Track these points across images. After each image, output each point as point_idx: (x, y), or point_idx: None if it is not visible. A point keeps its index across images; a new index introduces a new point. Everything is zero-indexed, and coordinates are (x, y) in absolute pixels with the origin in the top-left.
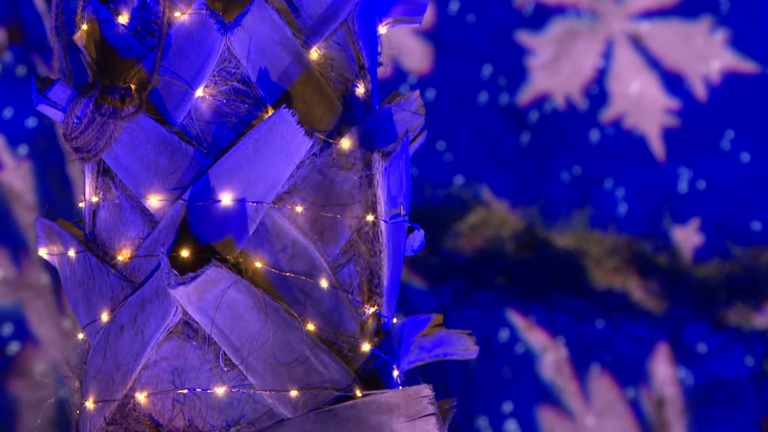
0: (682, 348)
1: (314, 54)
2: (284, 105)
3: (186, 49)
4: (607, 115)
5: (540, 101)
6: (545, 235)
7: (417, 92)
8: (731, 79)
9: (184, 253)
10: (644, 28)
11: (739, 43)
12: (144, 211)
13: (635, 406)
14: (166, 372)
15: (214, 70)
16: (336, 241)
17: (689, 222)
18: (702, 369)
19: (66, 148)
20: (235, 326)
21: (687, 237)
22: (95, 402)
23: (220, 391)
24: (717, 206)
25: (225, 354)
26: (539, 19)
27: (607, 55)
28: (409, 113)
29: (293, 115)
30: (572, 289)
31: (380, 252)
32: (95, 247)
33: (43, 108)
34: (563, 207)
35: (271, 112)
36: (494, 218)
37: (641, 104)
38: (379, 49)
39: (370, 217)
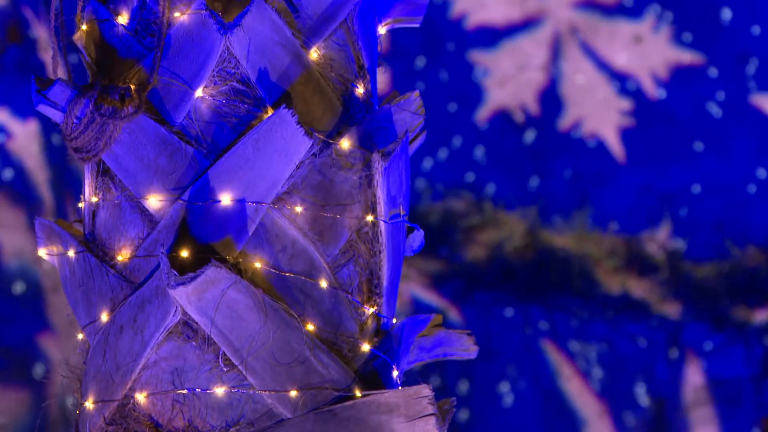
0: (682, 348)
1: (314, 54)
2: (284, 105)
3: (186, 49)
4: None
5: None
6: (545, 235)
7: (417, 92)
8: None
9: (184, 253)
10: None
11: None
12: (144, 212)
13: (635, 406)
14: (165, 372)
15: (213, 70)
16: (336, 241)
17: (688, 222)
18: (702, 369)
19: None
20: (235, 326)
21: (686, 237)
22: (95, 402)
23: (219, 391)
24: (717, 206)
25: (224, 354)
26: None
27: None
28: (409, 113)
29: (293, 116)
30: (572, 289)
31: (380, 252)
32: (95, 247)
33: (43, 108)
34: (563, 207)
35: (270, 112)
36: (494, 219)
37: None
38: (378, 49)
39: (369, 218)
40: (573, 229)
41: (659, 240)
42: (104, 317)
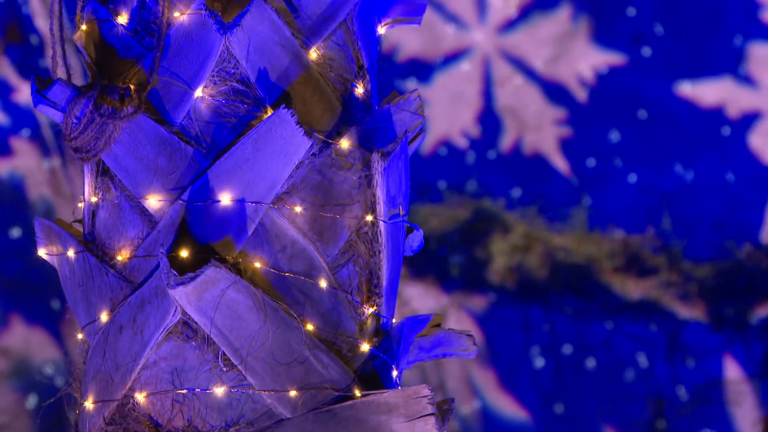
0: (682, 348)
1: (313, 54)
2: (283, 105)
3: (185, 49)
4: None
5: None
6: (544, 235)
7: (416, 92)
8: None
9: (184, 253)
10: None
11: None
12: (143, 212)
13: (635, 406)
14: (165, 372)
15: (213, 71)
16: (335, 241)
17: (688, 222)
18: (701, 369)
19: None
20: (235, 326)
21: (686, 237)
22: (94, 402)
23: (219, 391)
24: (717, 206)
25: (224, 354)
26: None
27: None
28: (408, 113)
29: (292, 116)
30: (571, 289)
31: (379, 252)
32: (94, 247)
33: (43, 108)
34: (563, 207)
35: (270, 112)
36: (493, 218)
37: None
38: (378, 49)
39: (369, 218)
40: (572, 229)
41: (658, 240)
42: (104, 317)
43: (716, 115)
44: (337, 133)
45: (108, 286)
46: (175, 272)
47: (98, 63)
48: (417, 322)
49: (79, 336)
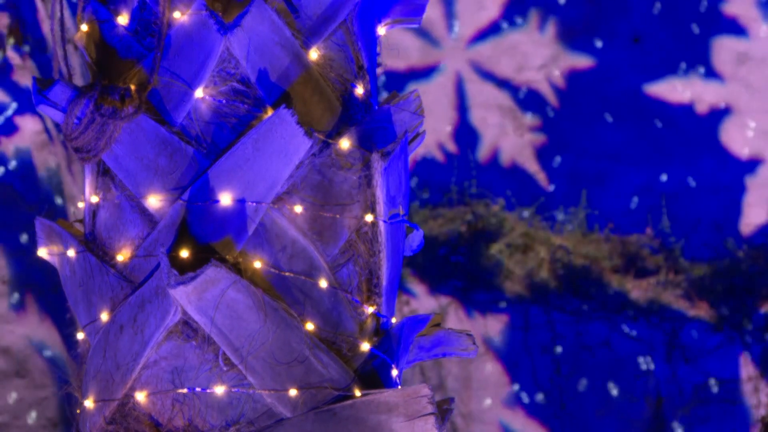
0: (681, 348)
1: (313, 54)
2: (283, 105)
3: (185, 49)
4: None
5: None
6: (544, 235)
7: (416, 92)
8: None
9: (184, 253)
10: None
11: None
12: (144, 211)
13: (634, 406)
14: (165, 372)
15: (213, 71)
16: (335, 241)
17: (687, 222)
18: (700, 369)
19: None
20: (235, 326)
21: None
22: (95, 401)
23: (219, 390)
24: (716, 206)
25: (224, 354)
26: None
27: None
28: (408, 113)
29: (292, 116)
30: (571, 289)
31: (379, 252)
32: (95, 247)
33: (43, 108)
34: (562, 207)
35: (270, 112)
36: (493, 218)
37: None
38: (378, 49)
39: (369, 217)
40: (571, 229)
41: (657, 240)
42: (104, 317)
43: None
44: (337, 133)
45: (108, 286)
46: (175, 272)
47: (99, 63)
48: (417, 321)
49: (80, 335)
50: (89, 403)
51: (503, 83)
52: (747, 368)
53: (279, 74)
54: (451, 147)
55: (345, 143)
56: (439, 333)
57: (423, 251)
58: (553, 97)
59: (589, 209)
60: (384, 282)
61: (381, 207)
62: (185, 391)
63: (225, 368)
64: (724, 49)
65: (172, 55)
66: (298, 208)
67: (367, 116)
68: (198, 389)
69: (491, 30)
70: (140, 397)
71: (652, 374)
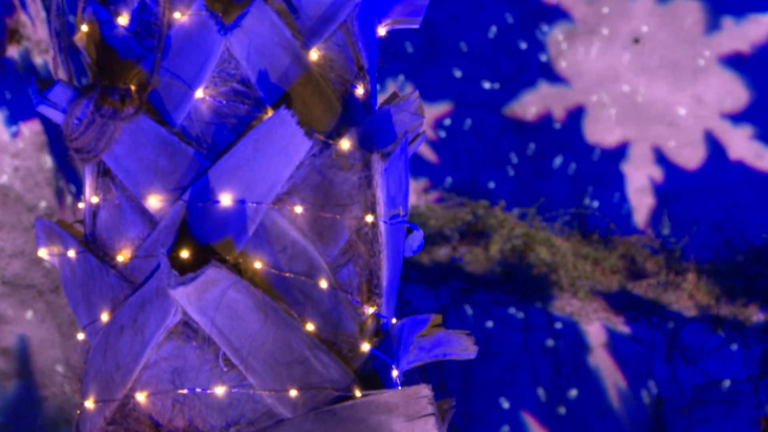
0: (682, 348)
1: (313, 55)
2: (284, 106)
3: (186, 50)
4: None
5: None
6: (544, 235)
7: (416, 93)
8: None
9: (184, 253)
10: None
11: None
12: (144, 212)
13: (634, 406)
14: (165, 372)
15: (213, 71)
16: (335, 241)
17: (687, 222)
18: (700, 369)
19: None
20: (235, 326)
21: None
22: (95, 402)
23: (219, 391)
24: (716, 206)
25: (224, 354)
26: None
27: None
28: (408, 114)
29: (293, 116)
30: (570, 289)
31: (379, 252)
32: (95, 247)
33: (44, 109)
34: (562, 207)
35: (270, 113)
36: (493, 218)
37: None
38: (378, 50)
39: (369, 218)
40: (571, 229)
41: (658, 240)
42: (105, 317)
43: None
44: (337, 133)
45: (109, 287)
46: (175, 272)
47: (99, 64)
48: (417, 322)
49: (80, 336)
50: (89, 404)
51: (504, 83)
52: (747, 368)
53: (279, 75)
54: (451, 147)
55: (345, 144)
56: (439, 333)
57: (423, 251)
58: (553, 97)
59: (589, 209)
60: (384, 282)
61: (381, 207)
62: (185, 391)
63: (225, 369)
64: (724, 49)
65: (172, 55)
66: (299, 209)
67: (367, 117)
68: (198, 390)
69: None
70: (140, 397)
71: (653, 374)
